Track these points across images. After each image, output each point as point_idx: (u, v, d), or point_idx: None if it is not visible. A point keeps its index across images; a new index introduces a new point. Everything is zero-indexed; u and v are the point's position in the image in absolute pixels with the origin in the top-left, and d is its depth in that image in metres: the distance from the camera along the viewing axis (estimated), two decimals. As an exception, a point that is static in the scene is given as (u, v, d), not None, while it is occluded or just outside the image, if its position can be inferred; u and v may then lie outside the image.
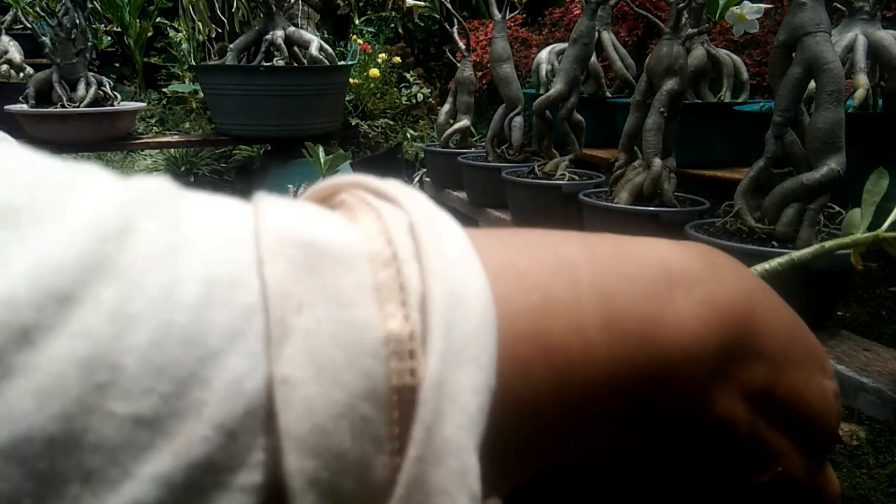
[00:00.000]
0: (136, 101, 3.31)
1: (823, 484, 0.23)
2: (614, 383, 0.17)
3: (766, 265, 0.37)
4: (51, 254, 0.11)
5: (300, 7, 2.89)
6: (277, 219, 0.14)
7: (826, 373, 0.23)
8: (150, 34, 4.05)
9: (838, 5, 1.43)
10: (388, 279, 0.14)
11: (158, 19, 3.93)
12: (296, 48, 2.42)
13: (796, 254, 0.38)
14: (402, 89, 3.30)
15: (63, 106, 2.23)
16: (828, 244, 0.39)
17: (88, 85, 2.28)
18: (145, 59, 4.16)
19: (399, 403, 0.13)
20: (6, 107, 2.30)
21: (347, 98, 2.90)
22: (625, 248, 0.20)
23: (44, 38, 2.22)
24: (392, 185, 0.16)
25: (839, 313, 1.74)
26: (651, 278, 0.19)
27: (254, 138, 2.65)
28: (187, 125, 3.30)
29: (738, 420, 0.20)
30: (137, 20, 3.92)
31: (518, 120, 1.91)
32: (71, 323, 0.11)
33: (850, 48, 1.38)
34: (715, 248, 0.24)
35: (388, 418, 0.13)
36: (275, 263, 0.13)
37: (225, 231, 0.14)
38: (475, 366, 0.14)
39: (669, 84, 1.28)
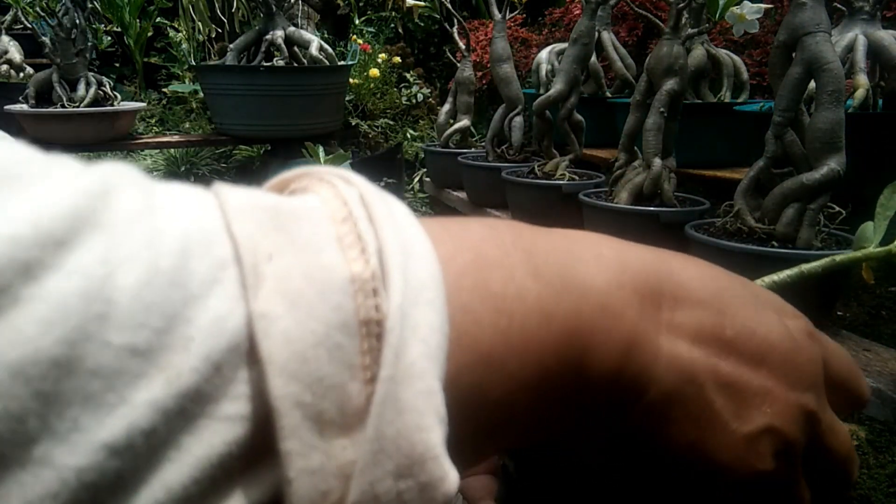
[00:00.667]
0: (136, 101, 3.31)
1: (827, 428, 0.23)
2: (551, 323, 0.19)
3: (776, 277, 0.35)
4: (47, 204, 0.12)
5: (300, 7, 2.89)
6: (238, 194, 0.15)
7: (786, 314, 0.23)
8: (150, 34, 4.05)
9: (838, 5, 1.43)
10: (347, 232, 0.15)
11: (158, 19, 3.93)
12: (296, 48, 2.42)
13: (806, 266, 0.36)
14: (402, 89, 3.30)
15: (63, 106, 2.23)
16: (839, 258, 0.39)
17: (88, 85, 2.28)
18: (145, 59, 4.16)
19: (368, 336, 0.14)
20: (6, 107, 2.30)
21: (347, 98, 2.89)
22: (530, 225, 0.22)
23: (44, 38, 2.22)
24: (339, 171, 0.18)
25: (839, 313, 1.74)
26: (561, 241, 0.21)
27: (254, 138, 2.65)
28: (187, 125, 3.30)
29: (695, 364, 0.21)
30: (137, 20, 3.92)
31: (518, 120, 1.92)
32: (68, 262, 0.12)
33: (850, 48, 1.38)
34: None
35: (359, 348, 0.14)
36: (242, 224, 0.14)
37: (192, 202, 0.15)
38: (431, 308, 0.15)
39: (669, 84, 1.28)
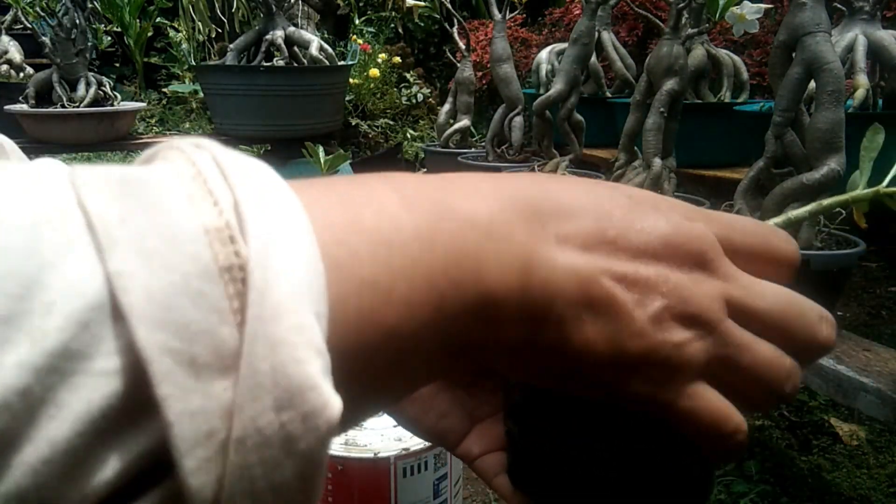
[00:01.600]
0: (136, 101, 3.31)
1: (746, 293, 0.24)
2: (434, 250, 0.19)
3: (769, 223, 0.36)
4: None
5: (300, 7, 2.89)
6: (88, 170, 0.16)
7: (673, 209, 0.24)
8: (150, 34, 4.06)
9: (838, 5, 1.43)
10: (197, 189, 0.16)
11: (158, 19, 3.93)
12: (296, 48, 2.42)
13: (793, 213, 0.37)
14: (402, 89, 3.30)
15: (63, 106, 2.23)
16: (825, 202, 0.38)
17: (88, 85, 2.28)
18: (145, 59, 4.16)
19: (232, 281, 0.15)
20: (6, 107, 2.30)
21: (347, 98, 2.89)
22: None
23: (44, 38, 2.22)
24: (203, 141, 0.18)
25: (839, 313, 1.74)
26: (436, 178, 0.22)
27: (254, 138, 2.65)
28: (187, 125, 3.30)
29: (589, 267, 0.22)
30: (137, 20, 3.92)
31: (518, 120, 1.92)
32: None
33: (850, 48, 1.38)
34: None
35: (224, 293, 0.15)
36: (93, 196, 0.15)
37: (41, 180, 0.15)
38: (296, 246, 0.16)
39: (669, 84, 1.28)
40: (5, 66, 2.75)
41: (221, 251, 0.15)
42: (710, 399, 0.23)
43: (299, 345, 0.15)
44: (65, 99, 2.24)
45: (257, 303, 0.15)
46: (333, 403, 0.15)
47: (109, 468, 0.14)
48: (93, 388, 0.13)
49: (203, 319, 0.14)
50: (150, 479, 0.14)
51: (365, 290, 0.18)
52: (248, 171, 0.17)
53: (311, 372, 0.15)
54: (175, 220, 0.15)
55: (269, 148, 2.67)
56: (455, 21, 2.14)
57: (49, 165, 0.16)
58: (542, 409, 0.26)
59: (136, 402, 0.14)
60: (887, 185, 0.38)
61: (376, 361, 0.18)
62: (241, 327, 0.15)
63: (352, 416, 0.19)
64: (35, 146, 2.28)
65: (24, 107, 2.25)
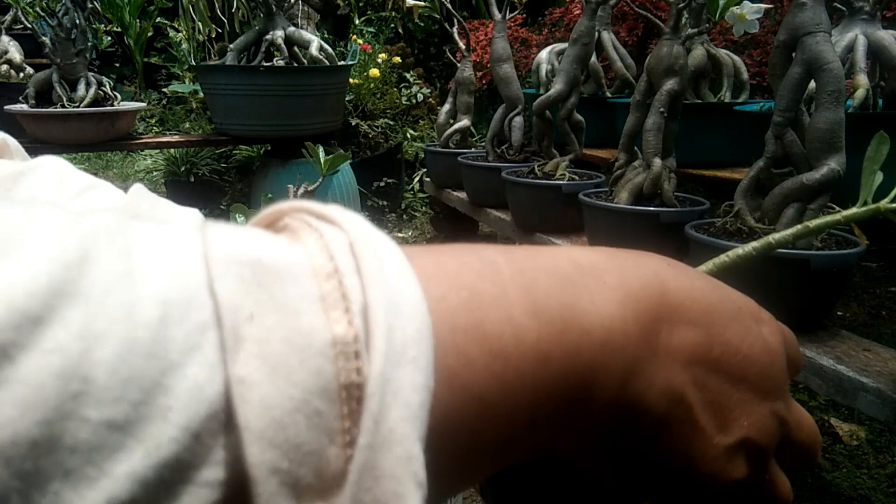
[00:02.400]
0: (136, 101, 3.31)
1: (794, 426, 0.24)
2: (549, 365, 0.19)
3: (740, 250, 0.34)
4: (21, 280, 0.12)
5: (300, 7, 2.89)
6: (224, 242, 0.15)
7: (762, 321, 0.24)
8: (150, 34, 4.05)
9: (838, 5, 1.43)
10: (331, 290, 0.15)
11: (158, 19, 3.93)
12: (296, 48, 2.42)
13: (776, 235, 0.34)
14: (402, 89, 3.30)
15: (63, 106, 2.23)
16: (814, 223, 0.35)
17: (88, 85, 2.28)
18: (145, 59, 4.16)
19: (348, 399, 0.14)
20: (6, 107, 2.30)
21: (347, 98, 2.89)
22: (537, 250, 0.22)
23: (44, 38, 2.22)
24: (332, 209, 0.17)
25: (839, 313, 1.74)
26: (564, 271, 0.21)
27: (254, 138, 2.65)
28: (187, 125, 3.29)
29: (685, 387, 0.22)
30: (137, 20, 3.92)
31: (518, 120, 1.92)
32: (44, 341, 0.12)
33: (850, 48, 1.38)
34: (618, 249, 0.25)
35: (339, 412, 0.14)
36: (225, 281, 0.14)
37: (176, 257, 0.14)
38: (414, 366, 0.15)
39: (669, 84, 1.28)
40: (5, 66, 2.75)
41: (344, 367, 0.14)
42: None
43: (404, 479, 0.15)
44: (65, 99, 2.24)
45: (370, 430, 0.14)
46: None
47: None
48: (194, 498, 0.13)
49: (314, 440, 0.14)
50: None
51: (471, 403, 0.17)
52: (381, 266, 0.16)
53: None
54: (305, 326, 0.14)
55: (269, 148, 2.67)
56: (455, 21, 2.14)
57: (184, 223, 0.16)
58: (521, 485, 0.27)
59: None
60: (891, 201, 0.34)
61: (464, 463, 0.18)
62: (348, 448, 0.14)
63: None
64: (35, 146, 2.28)
65: (24, 107, 2.25)
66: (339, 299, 0.15)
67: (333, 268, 0.15)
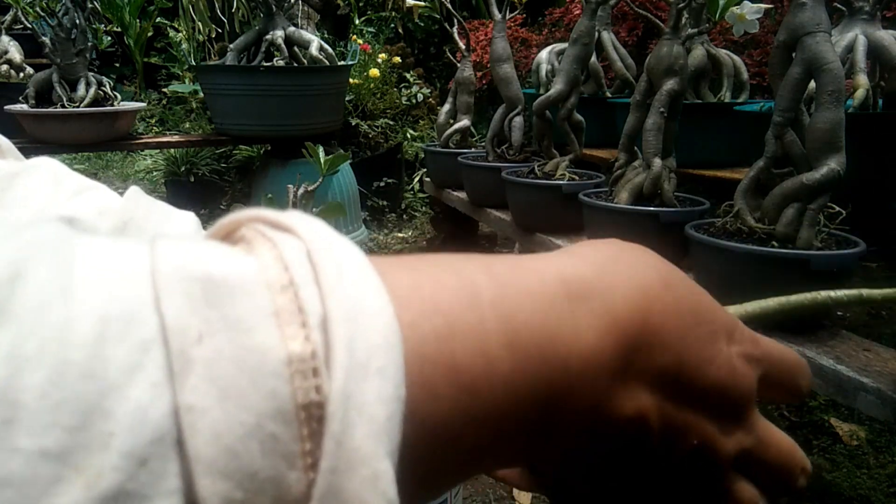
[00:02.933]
0: (136, 101, 3.31)
1: (760, 447, 0.25)
2: (519, 398, 0.18)
3: (832, 294, 0.34)
4: None
5: (300, 7, 2.89)
6: (173, 257, 0.14)
7: (733, 339, 0.24)
8: (150, 34, 4.06)
9: (838, 5, 1.43)
10: (286, 303, 0.14)
11: (158, 19, 3.93)
12: (296, 48, 2.42)
13: (866, 292, 0.34)
14: (402, 89, 3.30)
15: (63, 106, 2.23)
16: (866, 292, 0.35)
17: (88, 85, 2.28)
18: (145, 59, 4.16)
19: (308, 420, 0.13)
20: (6, 107, 2.30)
21: (347, 98, 2.89)
22: (523, 265, 0.21)
23: (44, 38, 2.22)
24: (290, 216, 0.16)
25: (839, 313, 1.74)
26: (550, 295, 0.20)
27: (254, 138, 2.65)
28: (187, 125, 3.29)
29: (649, 411, 0.22)
30: (137, 20, 3.92)
31: (518, 120, 1.92)
32: None
33: (850, 48, 1.38)
34: (617, 242, 0.25)
35: (297, 434, 0.13)
36: (172, 298, 0.13)
37: (120, 272, 0.13)
38: (380, 377, 0.14)
39: (669, 84, 1.28)
40: (5, 66, 2.75)
41: (301, 386, 0.14)
42: None
43: (371, 501, 0.14)
44: (65, 99, 2.24)
45: (332, 453, 0.13)
46: None
47: None
48: None
49: (271, 467, 0.13)
50: None
51: (433, 438, 0.17)
52: (342, 270, 0.15)
53: None
54: (258, 345, 0.13)
55: (269, 148, 2.67)
56: (455, 21, 2.14)
57: (132, 249, 0.14)
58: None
59: None
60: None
61: (418, 484, 0.17)
62: (310, 471, 0.14)
63: None
64: (35, 146, 2.28)
65: (24, 107, 2.25)
66: (294, 313, 0.14)
67: (289, 279, 0.14)
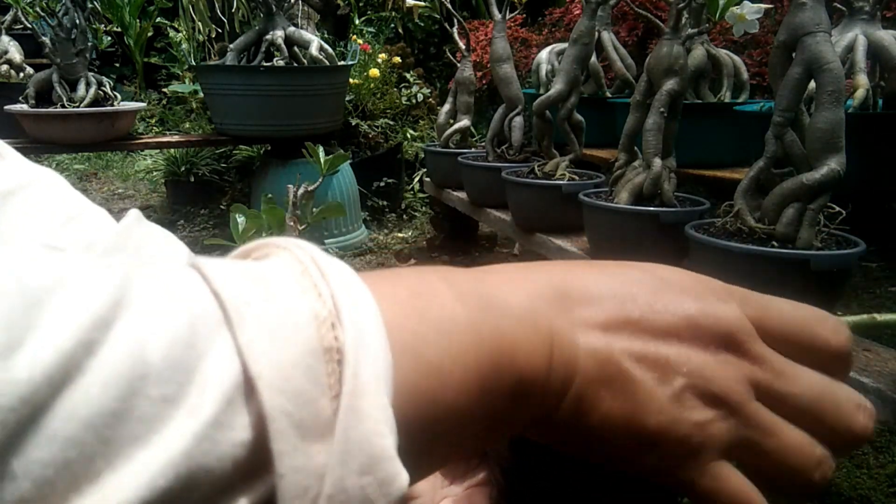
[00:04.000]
0: (136, 101, 3.31)
1: (778, 375, 0.25)
2: (481, 338, 0.22)
3: (849, 319, 0.34)
4: (88, 296, 0.16)
5: (300, 7, 2.89)
6: (215, 264, 0.19)
7: (723, 300, 0.26)
8: (150, 34, 4.06)
9: (838, 5, 1.43)
10: (304, 281, 0.19)
11: (158, 19, 3.93)
12: (296, 48, 2.42)
13: (880, 317, 0.34)
14: (402, 89, 3.29)
15: (63, 106, 2.23)
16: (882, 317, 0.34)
17: (88, 85, 2.28)
18: (145, 60, 4.16)
19: (330, 360, 0.18)
20: (6, 107, 2.30)
21: (347, 98, 2.89)
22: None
23: (44, 38, 2.22)
24: (294, 240, 0.21)
25: (839, 313, 1.73)
26: (477, 270, 0.25)
27: (254, 138, 2.65)
28: (187, 125, 3.29)
29: (610, 347, 0.24)
30: (137, 20, 3.92)
31: (518, 120, 1.91)
32: (114, 339, 0.16)
33: (850, 48, 1.38)
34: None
35: (325, 370, 0.17)
36: (223, 285, 0.18)
37: (184, 281, 0.18)
38: (375, 339, 0.18)
39: (669, 84, 1.28)
40: (5, 66, 2.75)
41: (326, 335, 0.18)
42: (731, 480, 0.24)
43: (381, 420, 0.18)
44: (65, 99, 2.24)
45: (350, 381, 0.17)
46: (403, 475, 0.18)
47: None
48: (234, 457, 0.16)
49: (311, 390, 0.17)
50: None
51: (432, 375, 0.20)
52: (338, 270, 0.20)
53: (388, 445, 0.18)
54: (291, 306, 0.18)
55: (269, 148, 2.67)
56: (455, 21, 2.14)
57: (172, 262, 0.20)
58: (536, 468, 0.29)
59: (256, 465, 0.16)
60: None
61: (431, 435, 0.21)
62: (334, 400, 0.17)
63: None
64: (35, 146, 2.28)
65: (24, 107, 2.25)
66: (312, 288, 0.19)
67: (304, 268, 0.19)
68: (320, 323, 0.18)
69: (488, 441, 0.25)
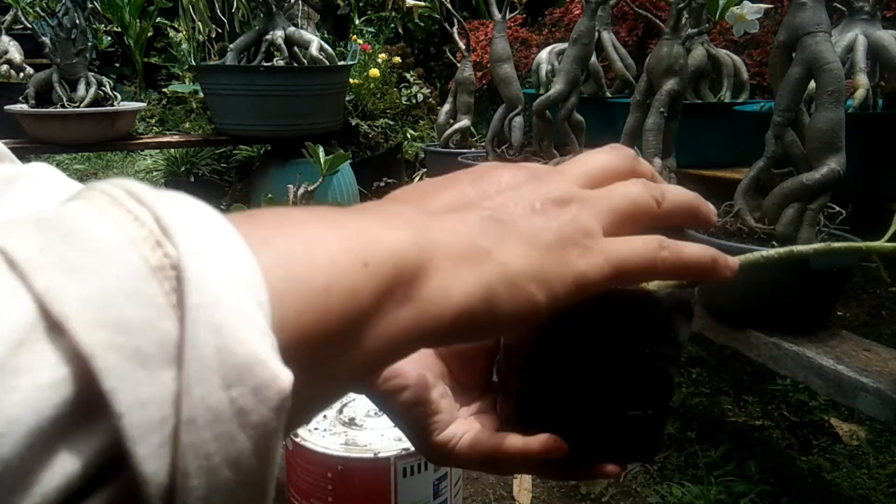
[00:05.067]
0: (136, 101, 3.31)
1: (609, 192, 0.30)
2: (339, 236, 0.21)
3: (763, 252, 0.36)
4: None
5: (300, 7, 2.89)
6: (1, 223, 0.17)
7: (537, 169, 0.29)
8: (150, 34, 4.06)
9: (838, 5, 1.43)
10: (114, 211, 0.17)
11: (158, 19, 3.93)
12: (296, 48, 2.42)
13: (798, 248, 0.35)
14: (402, 89, 3.29)
15: (63, 106, 2.23)
16: (836, 245, 0.35)
17: (88, 85, 2.28)
18: (145, 60, 4.16)
19: (167, 279, 0.16)
20: (6, 107, 2.30)
21: (347, 98, 2.89)
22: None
23: (44, 38, 2.22)
24: (119, 180, 0.19)
25: (839, 313, 1.74)
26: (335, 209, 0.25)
27: (254, 138, 2.65)
28: (187, 125, 3.29)
29: (463, 217, 0.25)
30: (137, 20, 3.92)
31: (518, 120, 1.92)
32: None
33: (850, 48, 1.38)
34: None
35: (161, 290, 0.16)
36: (7, 237, 0.16)
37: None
38: (224, 244, 0.17)
39: (669, 84, 1.28)
40: (5, 66, 2.75)
41: (151, 255, 0.16)
42: (625, 244, 0.29)
43: (241, 326, 0.16)
44: (65, 99, 2.24)
45: (195, 292, 0.16)
46: (283, 376, 0.16)
47: (63, 473, 0.14)
48: (40, 400, 0.14)
49: (142, 315, 0.15)
50: (109, 476, 0.15)
51: (322, 294, 0.19)
52: (160, 193, 0.17)
53: (256, 349, 0.16)
54: (97, 236, 0.16)
55: (269, 148, 2.67)
56: (455, 21, 2.14)
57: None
58: (549, 354, 0.31)
59: (89, 403, 0.15)
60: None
61: (324, 348, 0.19)
62: (182, 320, 0.16)
63: (309, 405, 0.21)
64: (35, 146, 2.28)
65: (24, 107, 2.25)
66: (124, 214, 0.16)
67: (111, 198, 0.17)
68: (140, 245, 0.16)
69: (398, 352, 0.24)
